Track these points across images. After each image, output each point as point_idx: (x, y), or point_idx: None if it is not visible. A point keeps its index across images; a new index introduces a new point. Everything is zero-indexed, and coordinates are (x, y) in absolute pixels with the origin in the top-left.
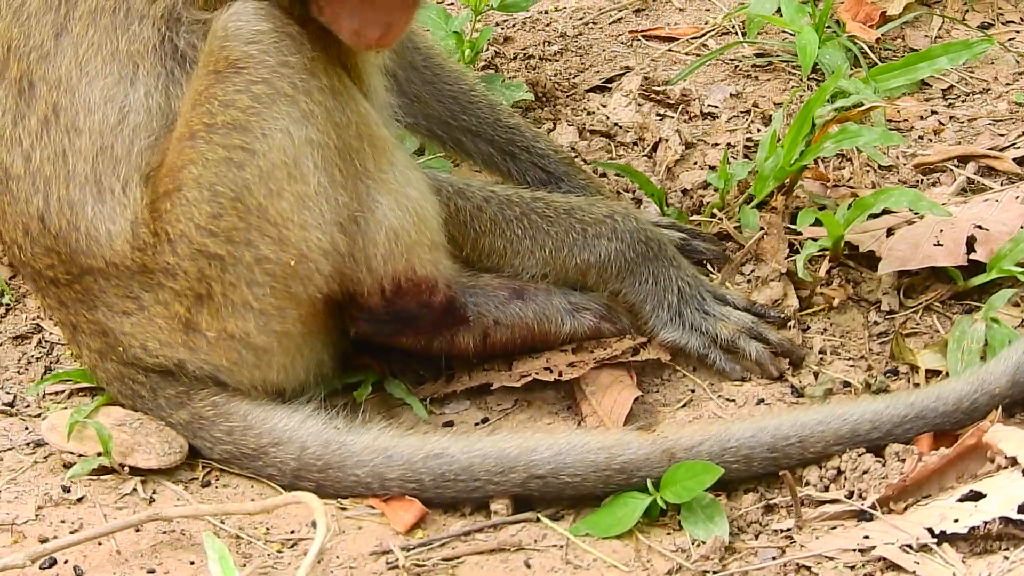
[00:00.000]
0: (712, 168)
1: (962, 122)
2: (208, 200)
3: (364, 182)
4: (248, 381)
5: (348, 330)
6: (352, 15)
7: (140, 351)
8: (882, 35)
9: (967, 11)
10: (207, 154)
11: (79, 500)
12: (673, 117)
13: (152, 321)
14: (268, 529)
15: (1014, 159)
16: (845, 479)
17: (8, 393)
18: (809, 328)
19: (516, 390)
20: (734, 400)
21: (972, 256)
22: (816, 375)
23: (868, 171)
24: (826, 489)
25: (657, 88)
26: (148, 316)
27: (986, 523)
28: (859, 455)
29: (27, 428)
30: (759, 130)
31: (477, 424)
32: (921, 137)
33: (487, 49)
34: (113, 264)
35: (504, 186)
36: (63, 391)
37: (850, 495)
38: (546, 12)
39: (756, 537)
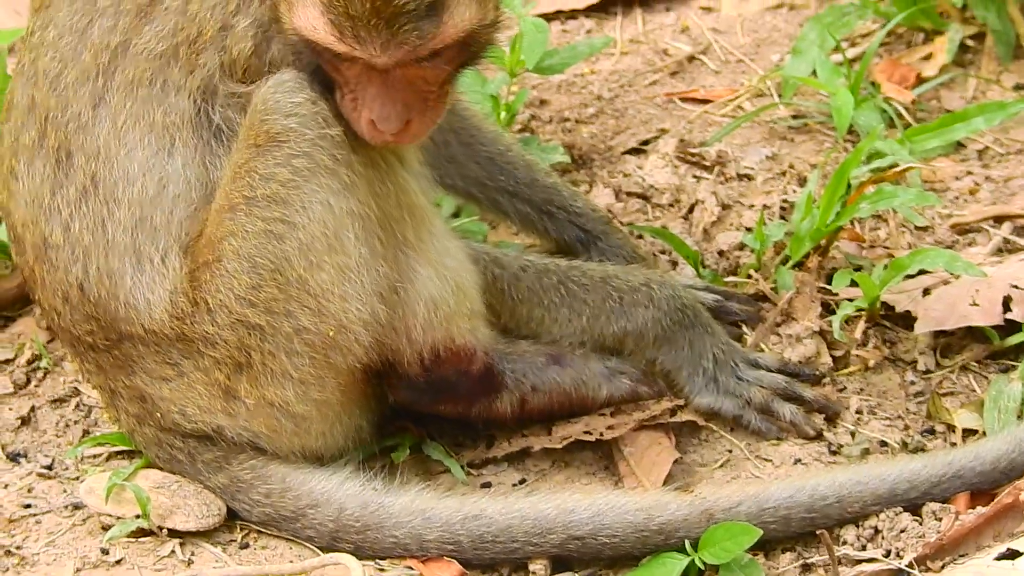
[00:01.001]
0: (748, 229)
1: (997, 182)
2: (248, 271)
3: (404, 252)
4: (287, 447)
5: (387, 396)
6: (371, 107)
7: (179, 416)
8: (917, 96)
9: (1002, 72)
10: (247, 226)
11: (117, 562)
12: (709, 179)
13: (191, 387)
14: None
15: None
16: (882, 538)
17: (47, 456)
18: (845, 388)
19: (554, 451)
20: (771, 460)
21: (1008, 316)
22: (853, 435)
23: (904, 232)
24: (863, 548)
25: (693, 150)
26: (187, 382)
27: None
28: (896, 514)
29: (65, 491)
30: (795, 191)
31: (515, 485)
32: (957, 198)
33: (523, 112)
34: (152, 332)
35: (541, 255)
36: (101, 454)
37: (887, 554)
38: (582, 75)
39: None
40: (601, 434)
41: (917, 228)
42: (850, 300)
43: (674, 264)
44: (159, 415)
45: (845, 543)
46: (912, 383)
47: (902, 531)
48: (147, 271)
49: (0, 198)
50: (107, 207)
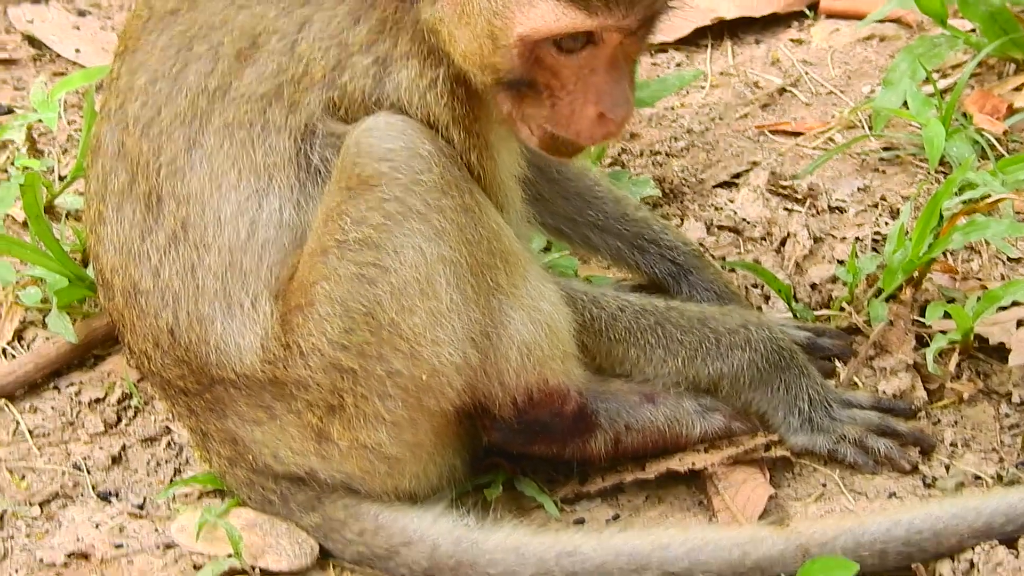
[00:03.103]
0: (840, 262)
1: None
2: (340, 315)
3: (496, 297)
4: (380, 489)
5: (480, 436)
6: (599, 97)
7: (271, 459)
8: (1009, 127)
9: None
10: (339, 270)
11: None
12: (801, 211)
13: (284, 430)
14: None
15: None
16: (978, 572)
17: (138, 495)
18: (940, 421)
19: (648, 486)
20: (865, 494)
21: None
22: (947, 468)
23: (997, 263)
24: None
25: (784, 183)
26: (280, 425)
27: None
28: (992, 547)
29: (157, 530)
30: (887, 224)
31: (608, 521)
32: None
33: (613, 146)
34: (243, 376)
35: (638, 295)
36: (193, 493)
37: None
38: (672, 108)
39: None
40: (693, 464)
41: (1010, 259)
42: (943, 332)
43: (766, 298)
44: (251, 457)
45: None
46: (1007, 415)
47: (998, 564)
48: (237, 316)
49: (88, 242)
50: (197, 252)
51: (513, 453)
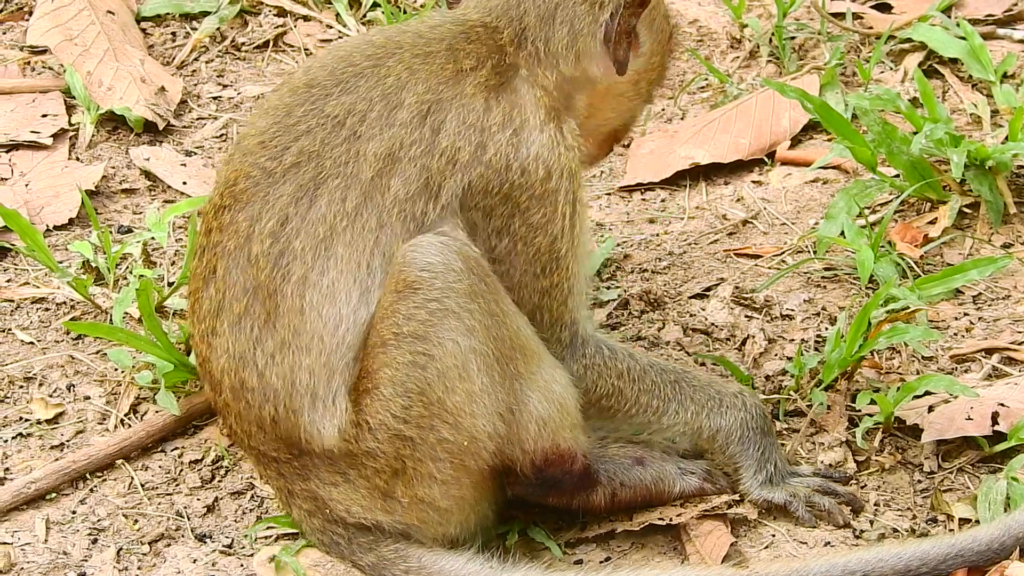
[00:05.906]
0: (789, 359)
1: (988, 322)
2: (400, 395)
3: (518, 381)
4: (432, 535)
5: (506, 491)
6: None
7: (344, 513)
8: (925, 253)
9: (993, 234)
10: (397, 359)
11: None
12: (758, 318)
13: (356, 490)
14: None
15: None
16: None
17: (227, 537)
18: (866, 486)
19: (634, 534)
20: (806, 543)
21: (996, 428)
22: (872, 523)
23: (913, 360)
24: None
25: (746, 295)
26: (353, 487)
27: None
28: None
29: (242, 565)
30: (827, 328)
31: (602, 562)
32: (956, 334)
33: (609, 265)
34: (325, 450)
35: (660, 357)
36: (271, 536)
37: None
38: (657, 235)
39: None
40: (671, 519)
41: (924, 358)
42: (870, 415)
43: None
44: (328, 511)
45: None
46: (919, 482)
47: None
48: (319, 410)
49: (198, 349)
50: (298, 358)
51: (530, 504)
